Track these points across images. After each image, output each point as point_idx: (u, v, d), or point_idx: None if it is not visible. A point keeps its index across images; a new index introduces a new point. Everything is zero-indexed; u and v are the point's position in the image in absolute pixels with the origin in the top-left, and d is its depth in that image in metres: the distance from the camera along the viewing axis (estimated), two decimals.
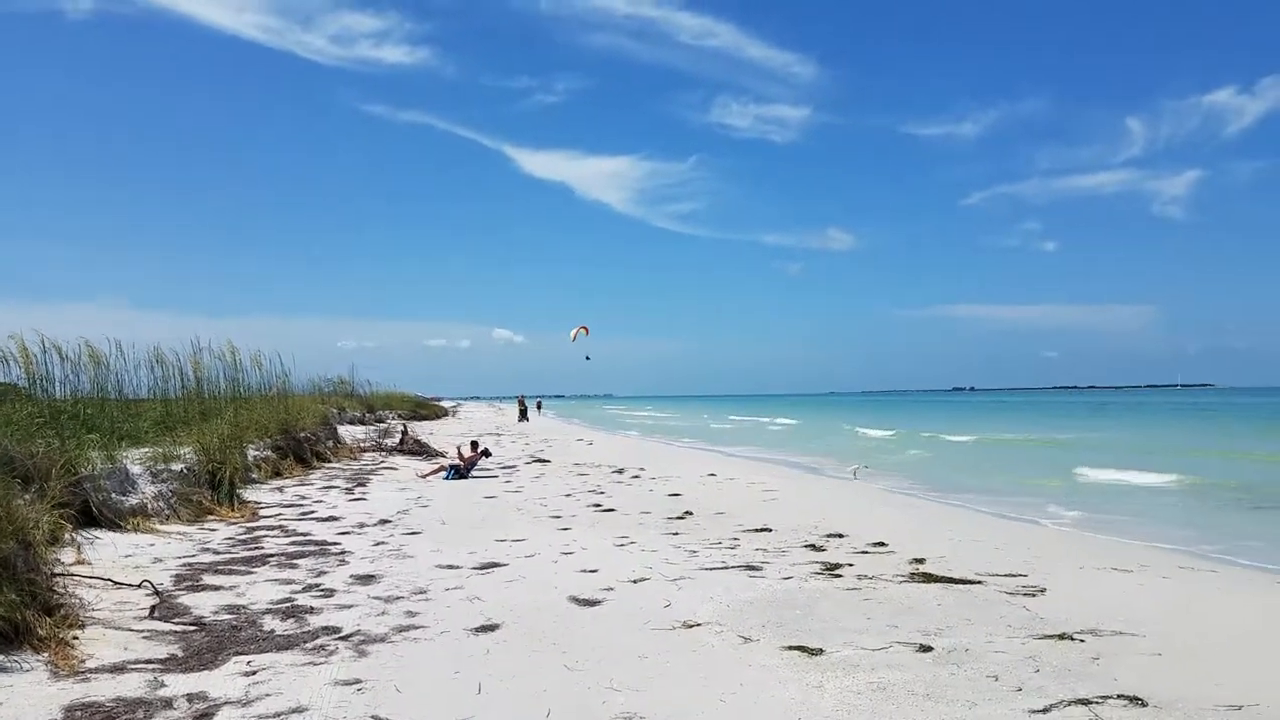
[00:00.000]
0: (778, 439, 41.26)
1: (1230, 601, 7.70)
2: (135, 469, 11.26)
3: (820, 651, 5.85)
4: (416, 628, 6.40)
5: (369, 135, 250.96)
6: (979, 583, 8.03)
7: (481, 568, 8.69)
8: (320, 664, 5.52)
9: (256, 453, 16.48)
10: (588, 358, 35.73)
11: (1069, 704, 4.83)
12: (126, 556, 8.64)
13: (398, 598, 7.34)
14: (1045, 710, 4.75)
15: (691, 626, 6.51)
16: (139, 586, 7.18)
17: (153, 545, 9.34)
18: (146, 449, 12.27)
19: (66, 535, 8.17)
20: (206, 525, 11.01)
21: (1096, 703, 4.85)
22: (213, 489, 12.16)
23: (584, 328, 34.29)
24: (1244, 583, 8.71)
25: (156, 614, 6.59)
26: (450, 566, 8.72)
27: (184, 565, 8.54)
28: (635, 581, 8.06)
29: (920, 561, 9.07)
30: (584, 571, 8.52)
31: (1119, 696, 4.95)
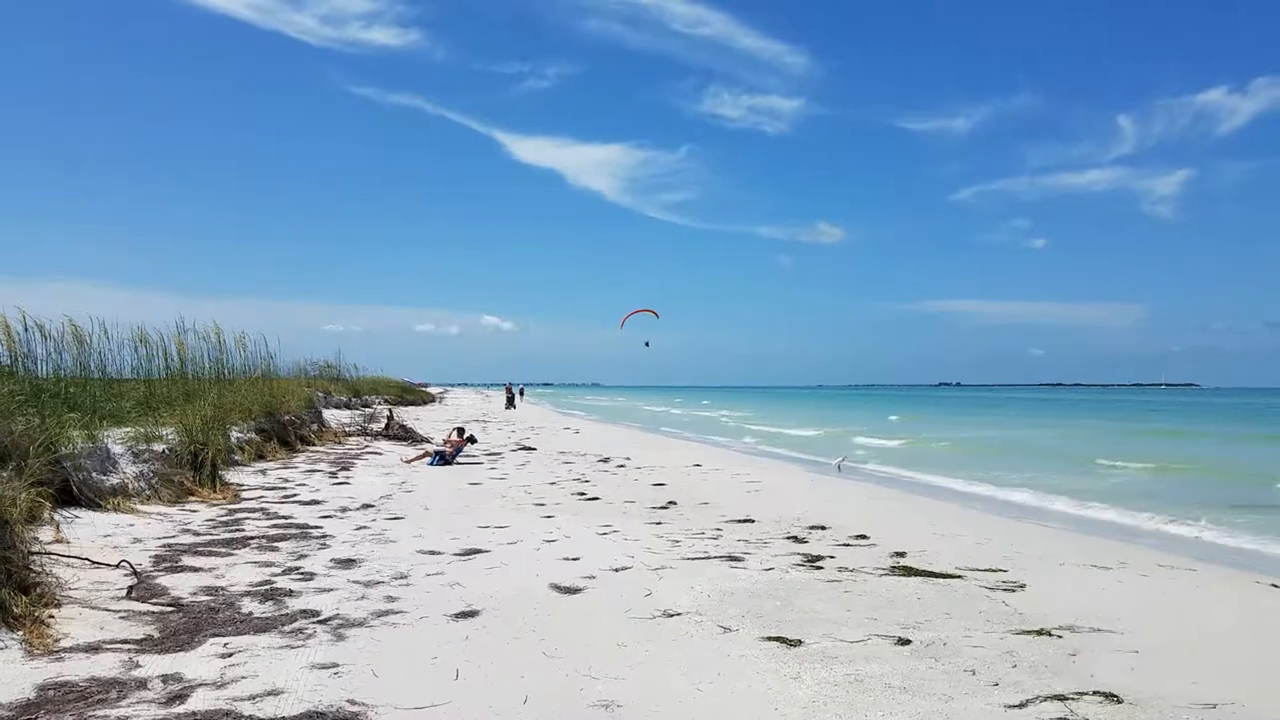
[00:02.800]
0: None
1: (1208, 600, 7.75)
2: (117, 448, 11.19)
3: (799, 643, 5.86)
4: (396, 613, 6.38)
5: (358, 117, 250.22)
6: (959, 577, 8.06)
7: (463, 554, 8.68)
8: (297, 647, 5.50)
9: (240, 435, 16.40)
10: (647, 344, 32.27)
11: (1045, 699, 4.85)
12: (106, 536, 8.59)
13: (378, 582, 7.32)
14: (1021, 705, 4.77)
15: (672, 616, 6.51)
16: (117, 566, 7.14)
17: (132, 525, 9.29)
18: (128, 429, 12.20)
19: (45, 513, 8.12)
20: (187, 506, 10.95)
21: (1073, 699, 4.88)
22: (194, 470, 12.09)
23: (652, 311, 29.91)
24: (1222, 582, 8.77)
25: (134, 594, 6.55)
26: (432, 552, 8.69)
27: (163, 546, 8.49)
28: (617, 570, 8.06)
29: (901, 555, 9.10)
30: (566, 559, 8.51)
31: (1095, 693, 4.97)
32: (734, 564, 8.46)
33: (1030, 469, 22.62)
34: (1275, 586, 8.54)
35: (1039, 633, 6.21)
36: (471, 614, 6.41)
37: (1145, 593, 7.83)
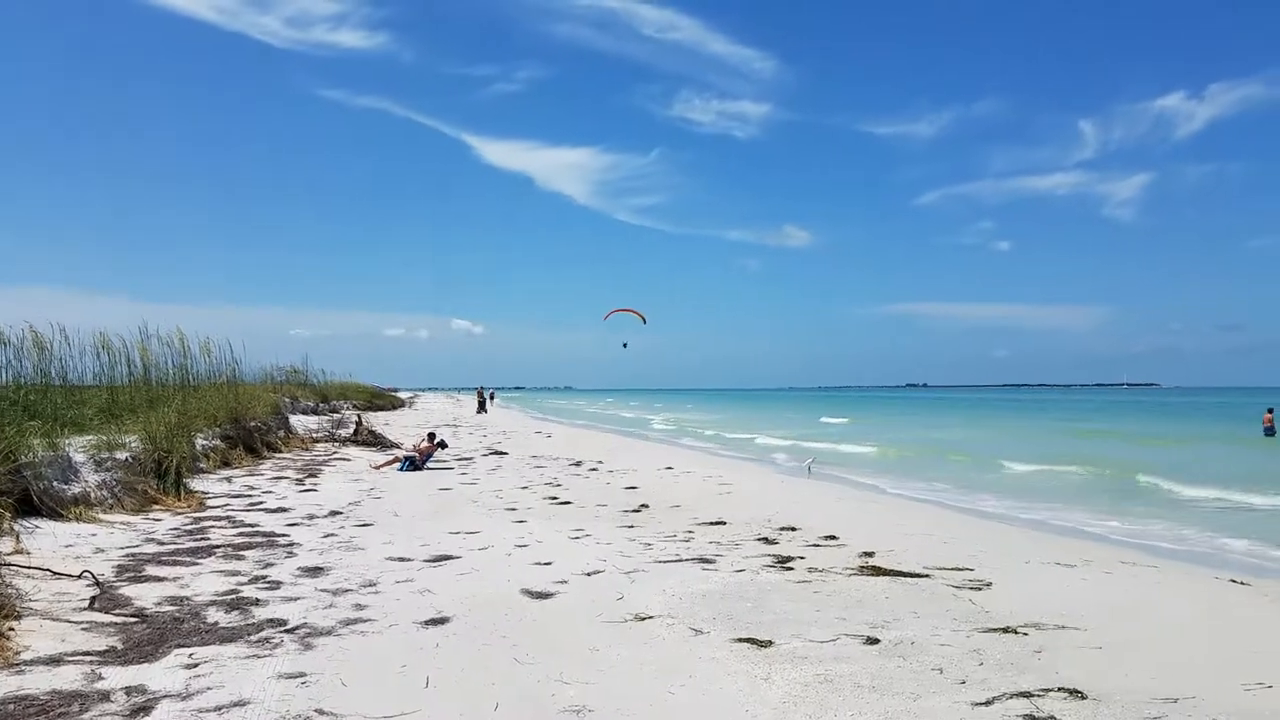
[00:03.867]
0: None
1: (1169, 597, 7.88)
2: (78, 457, 11.01)
3: (769, 644, 5.89)
4: (365, 621, 6.33)
5: (325, 120, 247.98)
6: (926, 576, 8.14)
7: (433, 560, 8.63)
8: (264, 657, 5.44)
9: (205, 442, 16.20)
10: (625, 345, 30.88)
11: (1011, 696, 4.91)
12: (67, 546, 8.45)
13: (346, 590, 7.26)
14: (988, 703, 4.82)
15: (643, 619, 6.51)
16: (79, 577, 7.03)
17: (95, 535, 9.15)
18: (91, 436, 12.01)
19: (4, 524, 7.98)
20: (151, 515, 10.80)
21: (1038, 695, 4.94)
22: (159, 478, 11.94)
23: (639, 315, 29.12)
24: (1183, 578, 8.91)
25: (97, 605, 6.45)
26: (401, 559, 8.64)
27: (127, 556, 8.37)
28: (589, 574, 8.05)
29: (870, 555, 9.17)
30: (538, 564, 8.49)
31: (1060, 689, 5.04)
32: (705, 566, 8.49)
33: (933, 470, 23.19)
34: (1234, 582, 8.70)
35: (1005, 630, 6.28)
36: (441, 621, 6.37)
37: (1108, 590, 7.95)
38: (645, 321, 29.69)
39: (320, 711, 4.56)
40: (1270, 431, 34.67)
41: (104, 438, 11.86)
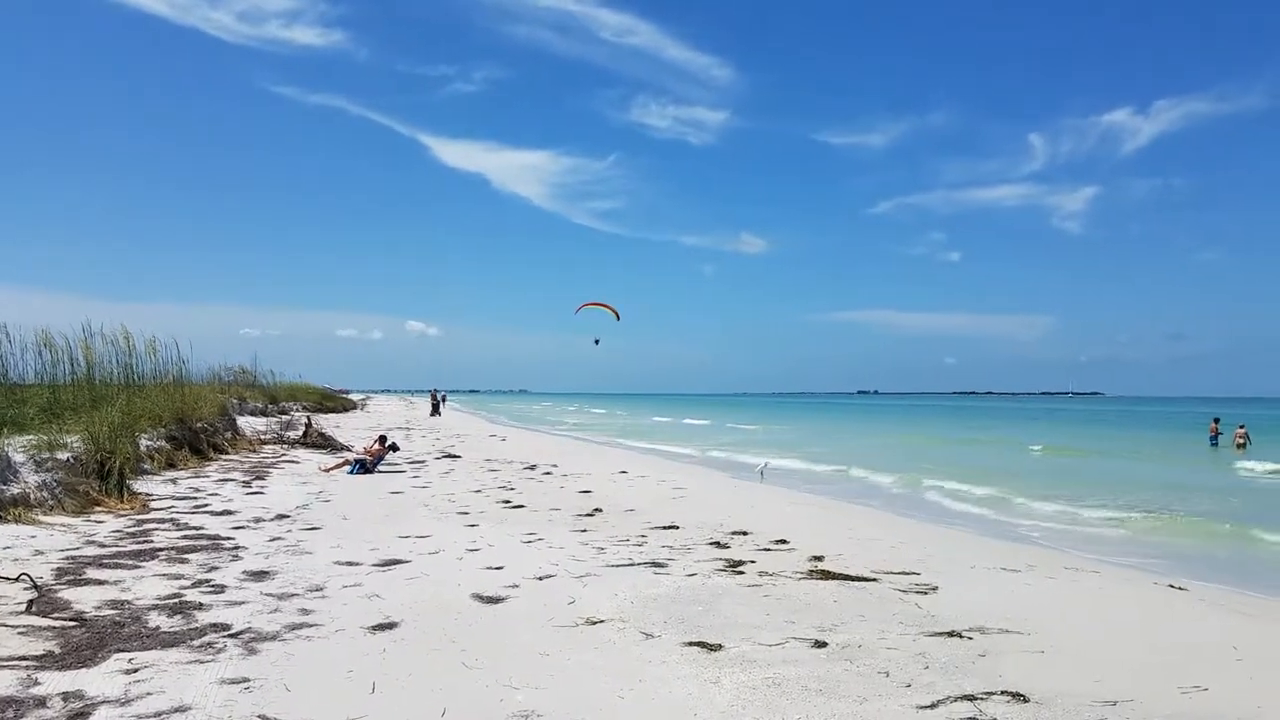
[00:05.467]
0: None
1: (1110, 601, 8.06)
2: (18, 457, 10.73)
3: (719, 647, 5.92)
4: (310, 625, 6.25)
5: (278, 117, 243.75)
6: (874, 580, 8.23)
7: (382, 565, 8.54)
8: (207, 662, 5.34)
9: (149, 443, 15.88)
10: (596, 341, 30.45)
11: (955, 700, 4.99)
12: (5, 549, 8.23)
13: (292, 595, 7.16)
14: (933, 706, 4.89)
15: (595, 623, 6.51)
16: (16, 580, 6.86)
17: (34, 537, 8.92)
18: (31, 436, 11.72)
19: None
20: (93, 517, 10.56)
21: (982, 698, 5.02)
22: (101, 479, 11.68)
23: (612, 309, 27.98)
24: (1123, 583, 9.12)
25: (34, 609, 6.30)
26: (350, 563, 8.54)
27: (66, 558, 8.17)
28: (541, 578, 8.03)
29: (819, 559, 9.25)
30: (489, 569, 8.44)
31: (1003, 693, 5.13)
32: (657, 570, 8.50)
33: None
34: (1172, 587, 8.92)
35: (950, 634, 6.38)
36: (390, 626, 6.31)
37: (1051, 594, 8.10)
38: (619, 318, 28.85)
39: (263, 717, 4.49)
40: (1215, 441, 35.49)
41: (45, 438, 11.59)
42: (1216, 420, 36.80)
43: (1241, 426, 35.47)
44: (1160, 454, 32.96)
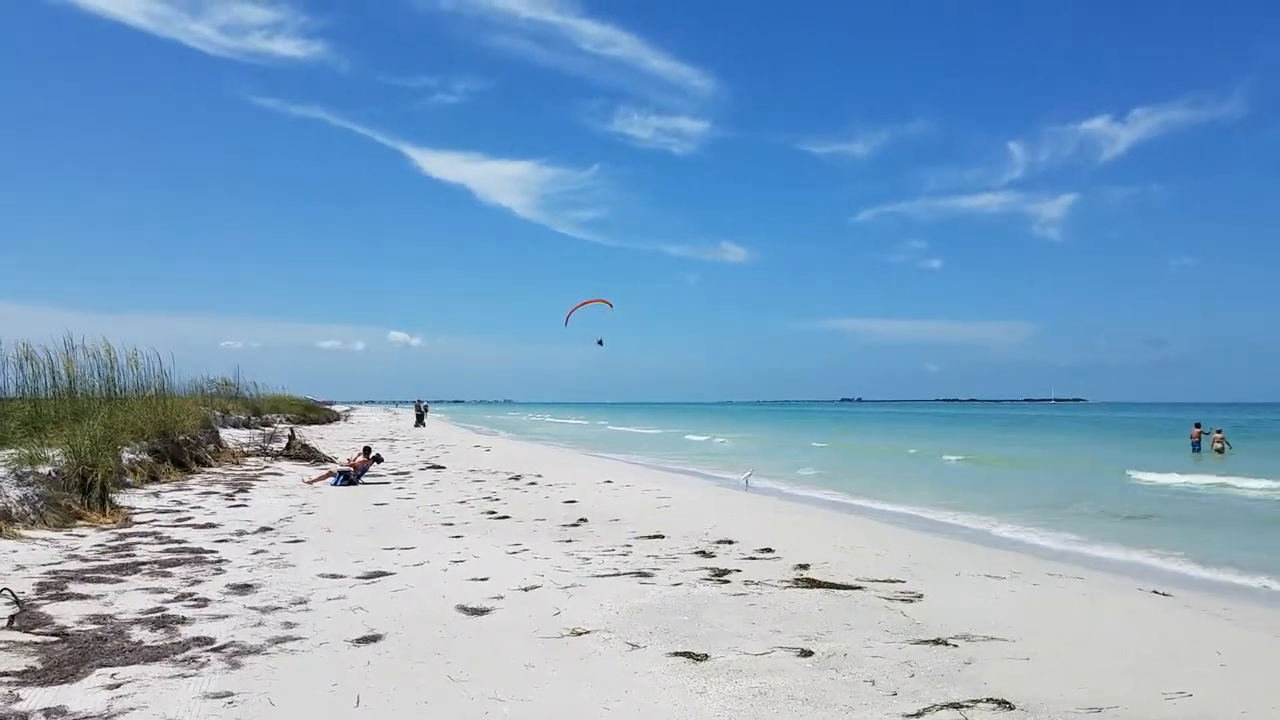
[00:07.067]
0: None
1: (1094, 607, 8.10)
2: None
3: (705, 657, 5.93)
4: (295, 639, 6.21)
5: (259, 129, 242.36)
6: (859, 588, 8.26)
7: (367, 577, 8.50)
8: (190, 676, 5.31)
9: (132, 456, 15.76)
10: (600, 342, 30.18)
11: (941, 708, 5.01)
12: None
13: (276, 608, 7.12)
14: (918, 714, 4.91)
15: (580, 634, 6.50)
16: None
17: (15, 552, 8.83)
18: (12, 450, 11.63)
19: None
20: (75, 531, 10.47)
21: (967, 706, 5.04)
22: (83, 493, 11.58)
23: (605, 301, 26.99)
24: (1107, 589, 9.17)
25: (15, 624, 6.24)
26: (334, 576, 8.50)
27: (48, 573, 8.10)
28: (526, 590, 8.01)
29: (805, 567, 9.27)
30: (474, 580, 8.42)
31: (988, 700, 5.15)
32: (643, 580, 8.50)
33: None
34: (1156, 593, 8.99)
35: (935, 642, 6.40)
36: (374, 639, 6.28)
37: (1036, 601, 8.15)
38: (611, 306, 28.00)
39: None
40: (1197, 446, 35.73)
41: (26, 451, 11.50)
42: (1198, 425, 37.04)
43: (1219, 431, 35.76)
44: (1092, 463, 32.25)
